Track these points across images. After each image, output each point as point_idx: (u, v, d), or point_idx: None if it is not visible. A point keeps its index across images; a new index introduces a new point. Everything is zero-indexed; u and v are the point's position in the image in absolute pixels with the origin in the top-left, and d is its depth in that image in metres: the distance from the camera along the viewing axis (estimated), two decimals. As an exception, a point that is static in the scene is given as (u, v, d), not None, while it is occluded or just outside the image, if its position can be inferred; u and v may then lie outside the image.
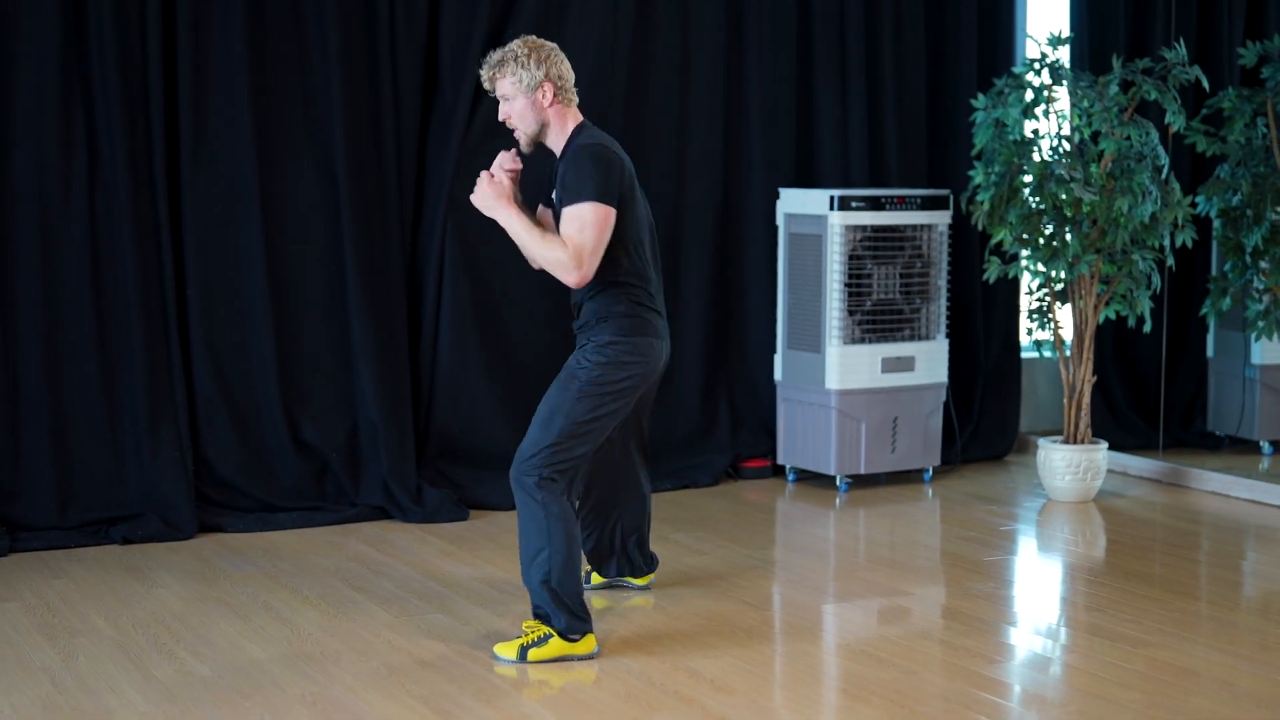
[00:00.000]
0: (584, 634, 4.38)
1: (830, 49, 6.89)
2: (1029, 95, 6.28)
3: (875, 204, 6.49)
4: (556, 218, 4.45)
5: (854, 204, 6.44)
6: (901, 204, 6.54)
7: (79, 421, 5.73)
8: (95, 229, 5.73)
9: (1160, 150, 6.23)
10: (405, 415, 6.15)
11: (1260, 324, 6.97)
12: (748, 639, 4.60)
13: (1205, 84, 6.36)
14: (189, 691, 4.12)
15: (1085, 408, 6.45)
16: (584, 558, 4.99)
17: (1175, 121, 6.24)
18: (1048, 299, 6.49)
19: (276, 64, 5.96)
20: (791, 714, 4.04)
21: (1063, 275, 6.33)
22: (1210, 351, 7.50)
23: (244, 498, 5.95)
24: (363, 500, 6.08)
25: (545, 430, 4.41)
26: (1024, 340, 7.33)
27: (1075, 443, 6.45)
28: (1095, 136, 6.31)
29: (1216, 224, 7.08)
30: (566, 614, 4.35)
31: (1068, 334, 6.56)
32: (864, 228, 6.47)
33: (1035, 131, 6.38)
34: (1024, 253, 6.48)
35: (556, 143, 4.48)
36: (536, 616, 4.40)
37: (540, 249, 4.38)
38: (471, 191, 4.55)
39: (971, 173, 6.41)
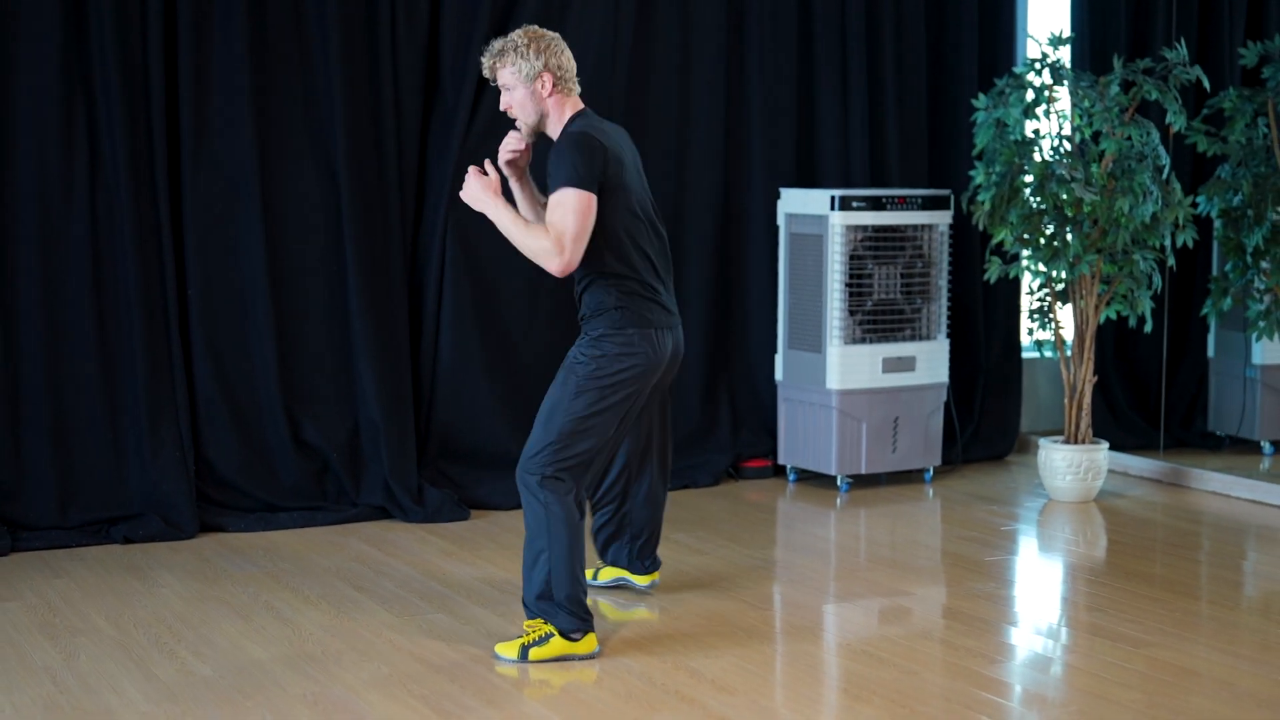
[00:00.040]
0: (585, 634, 4.38)
1: (831, 49, 6.89)
2: (1030, 95, 6.28)
3: (876, 204, 6.49)
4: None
5: (855, 204, 6.44)
6: (902, 204, 6.54)
7: (80, 421, 5.73)
8: (96, 229, 5.73)
9: (1161, 150, 6.23)
10: (406, 415, 6.15)
11: (1261, 324, 6.97)
12: (749, 639, 4.60)
13: (1206, 84, 6.36)
14: (190, 691, 4.12)
15: (1086, 408, 6.45)
16: (596, 551, 5.00)
17: (1176, 122, 6.24)
18: (1048, 299, 6.50)
19: (277, 64, 5.96)
20: (792, 714, 4.04)
21: (1064, 275, 6.33)
22: (1211, 351, 7.50)
23: (245, 497, 5.95)
24: (364, 500, 6.08)
25: (546, 428, 4.41)
26: (1025, 340, 7.33)
27: (1076, 443, 6.45)
28: (1096, 136, 6.32)
29: (1217, 224, 7.08)
30: (567, 614, 4.35)
31: (1069, 334, 6.57)
32: (865, 228, 6.47)
33: (1036, 131, 6.38)
34: (1025, 253, 6.48)
35: (554, 132, 4.48)
36: (538, 616, 4.40)
37: (524, 238, 4.35)
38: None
39: (972, 173, 6.41)
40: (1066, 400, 6.49)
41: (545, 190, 4.53)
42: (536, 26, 4.52)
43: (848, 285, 6.46)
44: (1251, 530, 6.13)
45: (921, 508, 6.45)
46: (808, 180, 6.89)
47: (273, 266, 5.98)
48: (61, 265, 5.69)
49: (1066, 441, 6.47)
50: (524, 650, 4.36)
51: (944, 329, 6.72)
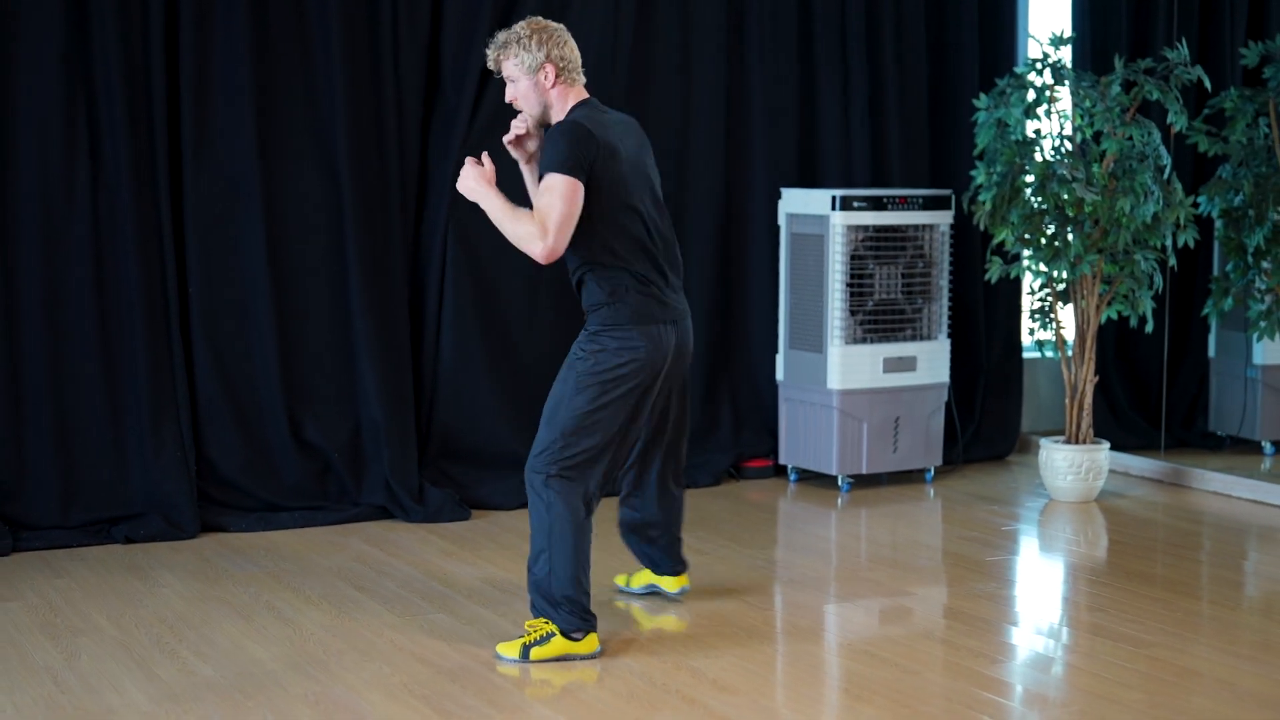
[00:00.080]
0: (587, 633, 4.38)
1: (832, 49, 6.89)
2: (1031, 95, 6.28)
3: (877, 204, 6.49)
4: None
5: (856, 204, 6.44)
6: (903, 204, 6.54)
7: (81, 421, 5.73)
8: (98, 229, 5.73)
9: (1162, 150, 6.23)
10: (407, 415, 6.15)
11: (1262, 324, 6.97)
12: (750, 639, 4.60)
13: (1207, 84, 6.36)
14: (191, 691, 4.12)
15: (1087, 408, 6.45)
16: (631, 552, 4.94)
17: (1177, 122, 6.24)
18: (1049, 299, 6.50)
19: (279, 64, 5.96)
20: (794, 714, 4.04)
21: (1064, 275, 6.33)
22: (1212, 352, 7.50)
23: (246, 497, 5.95)
24: (365, 500, 6.08)
25: (549, 427, 4.40)
26: (1026, 340, 7.33)
27: (1077, 443, 6.45)
28: (1097, 136, 6.31)
29: (1218, 224, 7.08)
30: (568, 613, 4.35)
31: (1070, 334, 6.56)
32: (866, 227, 6.47)
33: (1037, 131, 6.38)
34: (1026, 253, 6.48)
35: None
36: (539, 615, 4.40)
37: (511, 224, 4.30)
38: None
39: (973, 173, 6.41)
40: (1067, 400, 6.49)
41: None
42: (540, 18, 4.49)
43: (849, 285, 6.46)
44: (1252, 530, 6.13)
45: (922, 508, 6.45)
46: (809, 180, 6.90)
47: (274, 266, 5.99)
48: (63, 265, 5.69)
49: (1067, 441, 6.47)
50: (525, 650, 4.36)
51: (945, 329, 6.72)
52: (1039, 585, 5.55)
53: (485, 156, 4.49)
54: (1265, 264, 6.92)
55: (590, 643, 4.38)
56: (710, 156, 6.74)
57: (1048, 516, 6.29)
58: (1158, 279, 6.38)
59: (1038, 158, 6.31)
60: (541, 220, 4.22)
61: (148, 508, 5.74)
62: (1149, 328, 6.51)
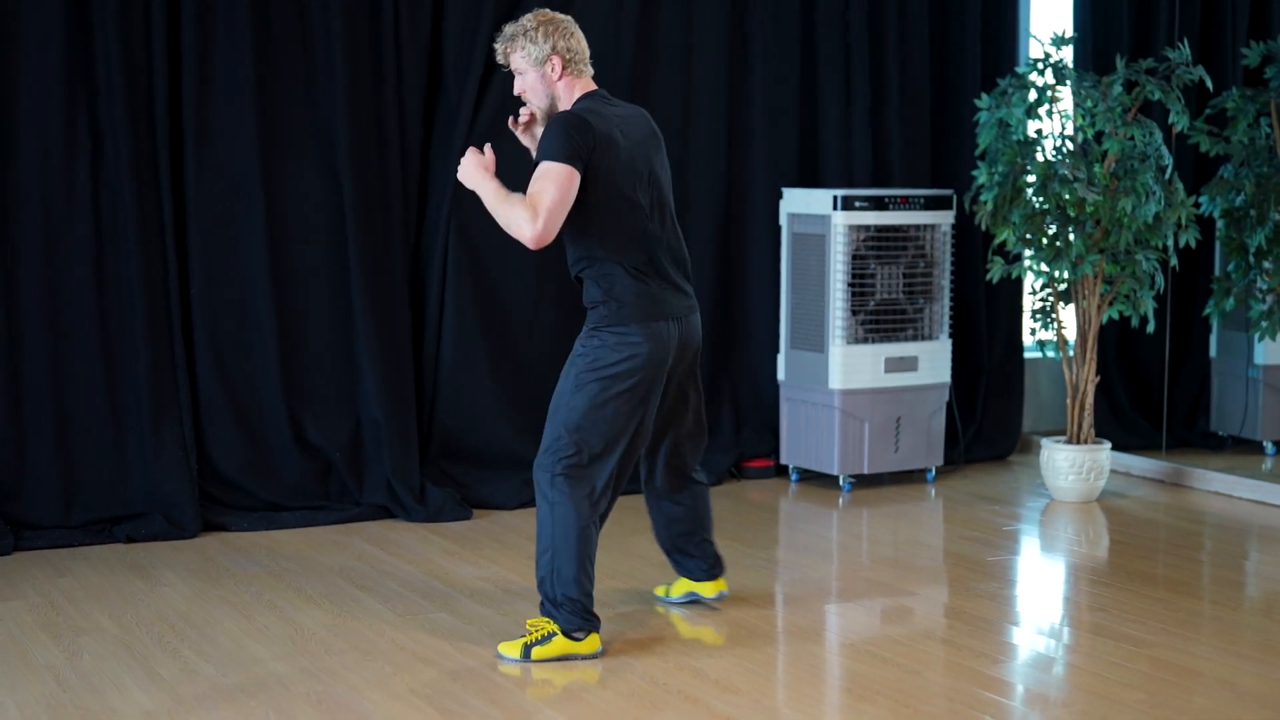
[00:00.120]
0: (588, 633, 4.37)
1: (834, 49, 6.89)
2: (1032, 95, 6.28)
3: (878, 204, 6.49)
4: None
5: (857, 204, 6.44)
6: (905, 204, 6.54)
7: (83, 420, 5.73)
8: (99, 228, 5.73)
9: (1164, 150, 6.23)
10: (408, 414, 6.15)
11: (1263, 324, 6.97)
12: (751, 639, 4.60)
13: (1209, 84, 6.36)
14: (193, 690, 4.12)
15: (1088, 408, 6.45)
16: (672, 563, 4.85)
17: (1179, 122, 6.24)
18: (1051, 299, 6.50)
19: (280, 63, 5.96)
20: (795, 713, 4.04)
21: (1066, 275, 6.33)
22: (1213, 352, 7.50)
23: (247, 497, 5.95)
24: (366, 499, 6.08)
25: (552, 425, 4.39)
26: (1027, 340, 7.33)
27: (1078, 443, 6.45)
28: (1099, 136, 6.32)
29: (1220, 224, 7.08)
30: (569, 613, 4.34)
31: (1071, 334, 6.56)
32: (867, 227, 6.47)
33: (1039, 131, 6.38)
34: (1027, 253, 6.48)
35: None
36: (543, 614, 4.40)
37: (504, 209, 4.26)
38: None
39: (975, 173, 6.41)
40: (1069, 400, 6.49)
41: None
42: (547, 10, 4.47)
43: (850, 285, 6.46)
44: (1254, 530, 6.13)
45: (924, 508, 6.45)
46: (810, 180, 6.90)
47: (275, 266, 5.99)
48: (64, 264, 5.69)
49: (1069, 441, 6.47)
50: (526, 649, 4.36)
51: (946, 329, 6.72)
52: (1040, 585, 5.55)
53: (488, 147, 4.47)
54: (1266, 264, 6.92)
55: (592, 643, 4.38)
56: (712, 156, 6.74)
57: (1049, 516, 6.30)
58: (1159, 279, 6.38)
59: (1039, 158, 6.31)
60: (533, 204, 4.19)
61: (149, 507, 5.74)
62: (1150, 328, 6.51)
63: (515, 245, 6.26)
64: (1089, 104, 6.21)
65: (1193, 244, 6.53)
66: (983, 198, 6.34)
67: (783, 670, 4.42)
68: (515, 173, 4.67)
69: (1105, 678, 4.28)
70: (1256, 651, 4.55)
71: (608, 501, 4.42)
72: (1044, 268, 6.39)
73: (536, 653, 4.35)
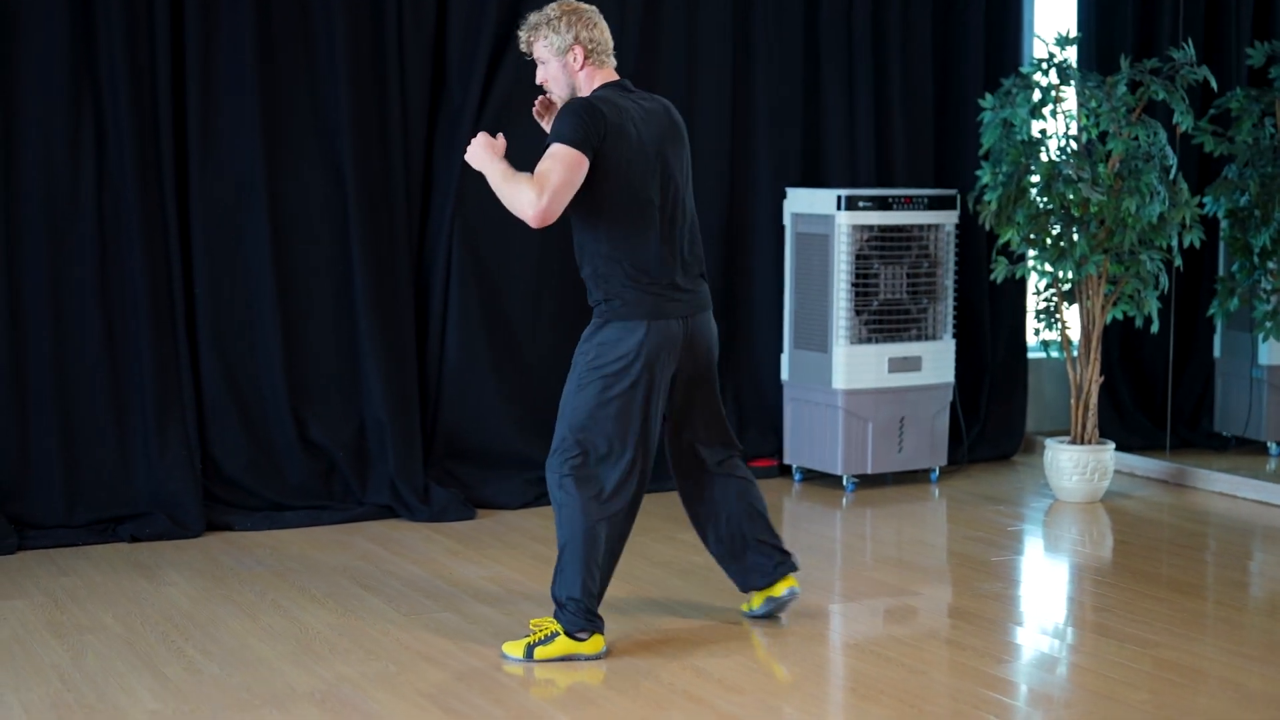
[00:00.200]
0: (591, 634, 4.37)
1: (837, 49, 6.89)
2: (1037, 95, 6.28)
3: (882, 204, 6.49)
4: None
5: (861, 204, 6.44)
6: (908, 204, 6.54)
7: (87, 420, 5.73)
8: (103, 228, 5.74)
9: (1168, 150, 6.23)
10: (412, 414, 6.15)
11: (1268, 324, 6.97)
12: (755, 638, 4.60)
13: (1213, 84, 6.36)
14: (198, 689, 4.12)
15: (1092, 408, 6.45)
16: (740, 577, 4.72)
17: (1183, 122, 6.24)
18: (1055, 299, 6.49)
19: (284, 63, 5.96)
20: (800, 713, 4.04)
21: (1070, 275, 6.32)
22: (1217, 352, 7.50)
23: (252, 496, 5.95)
24: (370, 499, 6.08)
25: (559, 425, 4.38)
26: (1031, 340, 7.32)
27: (1082, 443, 6.45)
28: (1103, 136, 6.31)
29: (1224, 224, 7.08)
30: (572, 613, 4.34)
31: (1075, 334, 6.56)
32: (871, 227, 6.47)
33: (1043, 131, 6.38)
34: (1031, 253, 6.48)
35: None
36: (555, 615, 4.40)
37: (509, 188, 4.23)
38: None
39: (979, 172, 6.40)
40: (1073, 400, 6.49)
41: None
42: (571, 0, 4.45)
43: (854, 285, 6.46)
44: (1258, 531, 6.13)
45: (927, 508, 6.45)
46: (814, 180, 6.89)
47: (279, 265, 5.99)
48: (68, 264, 5.70)
49: (1073, 442, 6.47)
50: (529, 649, 4.36)
51: (950, 329, 6.72)
52: (1044, 585, 5.54)
53: (500, 135, 4.46)
54: (1271, 264, 6.92)
55: (595, 643, 4.37)
56: (715, 155, 6.74)
57: (1053, 517, 6.29)
58: (1163, 279, 6.38)
59: (1043, 158, 6.30)
60: (539, 181, 4.17)
61: (153, 506, 5.74)
62: (1154, 328, 6.51)
63: (519, 244, 6.30)
64: (1093, 104, 6.21)
65: (1197, 244, 6.53)
66: (986, 198, 6.34)
67: (787, 670, 4.42)
68: (523, 164, 4.66)
69: (1109, 678, 4.28)
70: (1261, 651, 4.55)
71: (625, 501, 4.36)
72: (1048, 268, 6.39)
73: (539, 653, 4.35)
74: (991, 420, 7.28)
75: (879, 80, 6.98)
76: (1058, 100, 6.31)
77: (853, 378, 6.48)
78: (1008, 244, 6.41)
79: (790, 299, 6.67)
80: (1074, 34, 6.46)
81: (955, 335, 6.86)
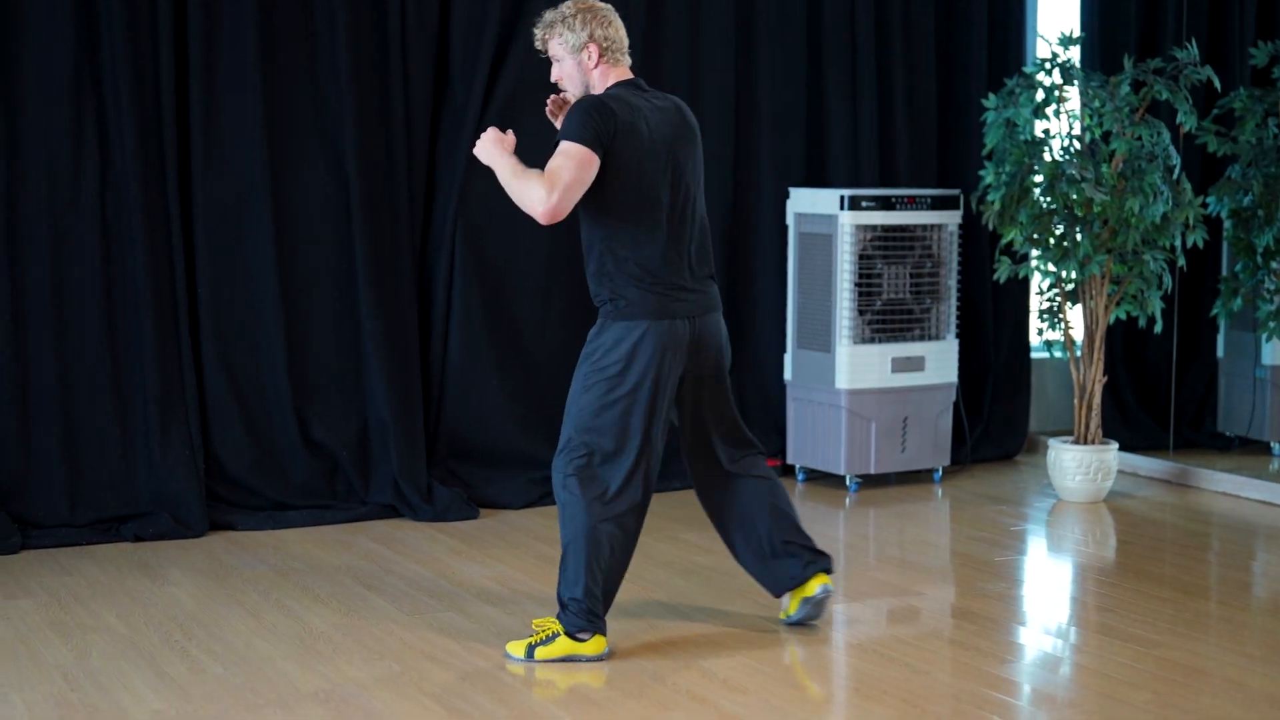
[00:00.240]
0: (593, 635, 4.36)
1: (840, 49, 6.89)
2: (1040, 95, 6.27)
3: (885, 204, 6.49)
4: None
5: (864, 204, 6.44)
6: (912, 204, 6.54)
7: (90, 419, 5.73)
8: (106, 227, 5.74)
9: (1171, 150, 6.23)
10: (415, 414, 6.15)
11: (1271, 324, 6.97)
12: (758, 638, 4.60)
13: (1217, 84, 6.36)
14: (202, 688, 4.13)
15: (1095, 408, 6.45)
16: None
17: (1186, 122, 6.23)
18: (1058, 299, 6.49)
19: (287, 62, 5.96)
20: (804, 713, 4.04)
21: (1073, 275, 6.32)
22: (1221, 352, 7.50)
23: (254, 496, 5.96)
24: (373, 499, 6.09)
25: (565, 425, 4.38)
26: (1034, 340, 7.33)
27: (1085, 443, 6.45)
28: (1106, 136, 6.31)
29: (1227, 224, 7.08)
30: (573, 614, 4.33)
31: (1078, 334, 6.56)
32: (874, 227, 6.47)
33: (1046, 131, 6.38)
34: (1034, 253, 6.48)
35: None
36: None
37: (518, 184, 4.22)
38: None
39: (982, 172, 6.40)
40: (1076, 400, 6.49)
41: None
42: None
43: (857, 285, 6.46)
44: (1261, 531, 6.12)
45: (931, 508, 6.45)
46: (817, 180, 6.89)
47: (282, 265, 5.99)
48: (70, 263, 5.70)
49: (1076, 442, 6.47)
50: (530, 649, 4.36)
51: (953, 329, 6.72)
52: (1047, 585, 5.54)
53: (510, 132, 4.45)
54: (1274, 264, 6.91)
55: (597, 644, 4.36)
56: (718, 156, 6.73)
57: (1056, 517, 6.29)
58: (1167, 279, 6.37)
59: (1046, 158, 6.30)
60: (550, 178, 4.16)
61: (156, 506, 5.74)
62: (1158, 328, 6.50)
63: (527, 241, 6.30)
64: (1096, 104, 6.21)
65: (1200, 244, 6.52)
66: (990, 198, 6.34)
67: (790, 670, 4.42)
68: (527, 164, 4.65)
69: (1112, 678, 4.27)
70: (1264, 651, 4.55)
71: (631, 502, 4.34)
72: (1051, 268, 6.39)
73: (540, 653, 4.35)
74: (995, 420, 7.28)
75: (882, 80, 6.98)
76: (1061, 100, 6.31)
77: (856, 378, 6.48)
78: (1011, 244, 6.41)
79: (793, 299, 6.67)
80: (1077, 34, 6.45)
81: (958, 335, 6.86)
